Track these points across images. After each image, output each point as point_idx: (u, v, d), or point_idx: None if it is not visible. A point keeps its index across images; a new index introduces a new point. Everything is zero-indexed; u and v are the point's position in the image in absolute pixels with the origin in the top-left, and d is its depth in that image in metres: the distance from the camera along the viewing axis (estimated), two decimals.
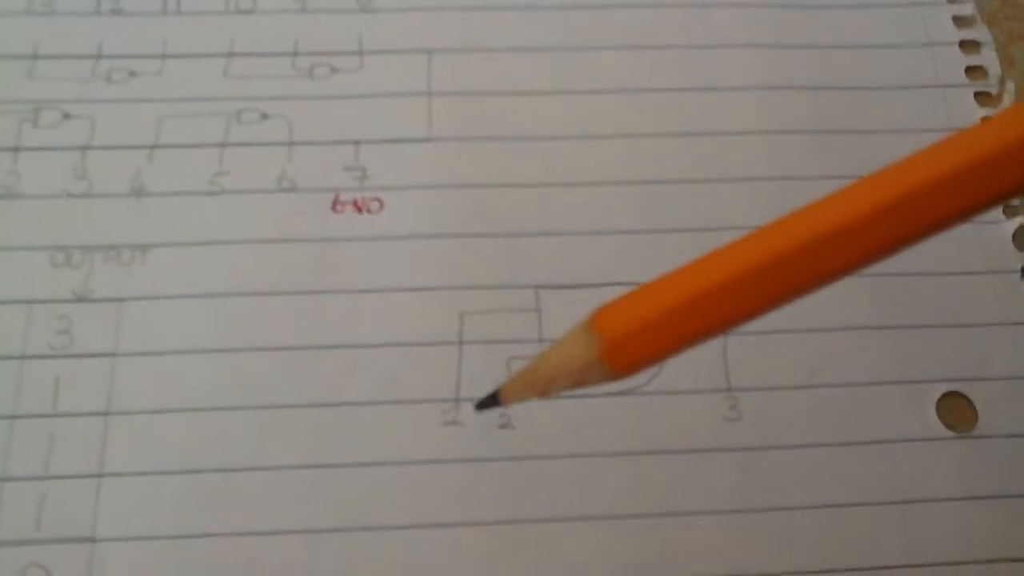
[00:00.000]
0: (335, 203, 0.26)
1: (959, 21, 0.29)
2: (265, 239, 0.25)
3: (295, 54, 0.28)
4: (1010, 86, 0.29)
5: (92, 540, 0.22)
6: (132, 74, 0.27)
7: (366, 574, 0.22)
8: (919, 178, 0.16)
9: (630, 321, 0.16)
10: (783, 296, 0.16)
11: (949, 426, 0.24)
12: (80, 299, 0.24)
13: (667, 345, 0.16)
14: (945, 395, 0.25)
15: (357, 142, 0.27)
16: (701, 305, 0.16)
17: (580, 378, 0.16)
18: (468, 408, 0.24)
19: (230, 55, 0.28)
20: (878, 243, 0.16)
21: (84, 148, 0.26)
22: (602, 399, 0.24)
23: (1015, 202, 0.27)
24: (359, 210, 0.26)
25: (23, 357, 0.24)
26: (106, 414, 0.23)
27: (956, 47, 0.29)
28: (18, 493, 0.22)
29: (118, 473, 0.23)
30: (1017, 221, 0.27)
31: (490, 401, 0.18)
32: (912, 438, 0.24)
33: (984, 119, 0.28)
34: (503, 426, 0.24)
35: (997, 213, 0.27)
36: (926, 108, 0.28)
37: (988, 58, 0.29)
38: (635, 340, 0.16)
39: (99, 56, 0.27)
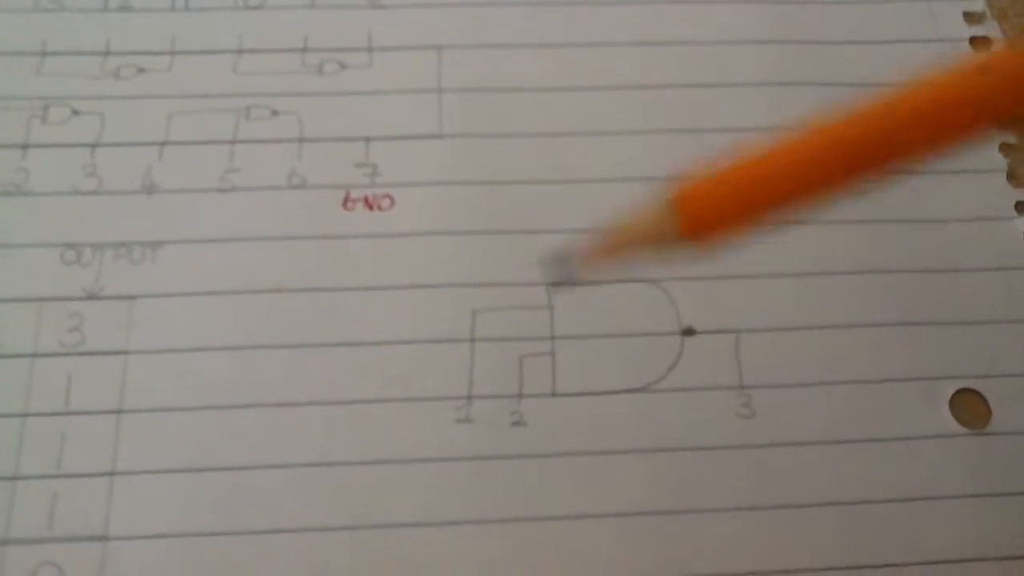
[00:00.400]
0: (346, 200, 0.26)
1: (969, 17, 0.29)
2: (276, 236, 0.25)
3: (305, 50, 0.28)
4: None
5: (105, 539, 0.22)
6: (141, 70, 0.27)
7: (377, 572, 0.22)
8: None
9: (706, 189, 0.17)
10: (834, 182, 0.17)
11: (963, 423, 0.24)
12: (91, 297, 0.24)
13: (737, 212, 0.17)
14: (958, 392, 0.25)
15: (368, 139, 0.27)
16: (768, 180, 0.17)
17: (656, 243, 0.17)
18: (480, 405, 0.24)
19: (239, 51, 0.27)
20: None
21: (94, 145, 0.26)
22: (614, 397, 0.24)
23: None
24: (370, 207, 0.26)
25: (34, 355, 0.23)
26: (118, 412, 0.23)
27: (966, 43, 0.29)
28: (30, 492, 0.22)
29: (130, 471, 0.23)
30: None
31: (564, 264, 0.18)
32: (926, 435, 0.24)
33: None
34: (516, 424, 0.24)
35: (1009, 210, 0.27)
36: None
37: None
38: (709, 208, 0.17)
39: (108, 53, 0.27)
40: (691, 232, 0.17)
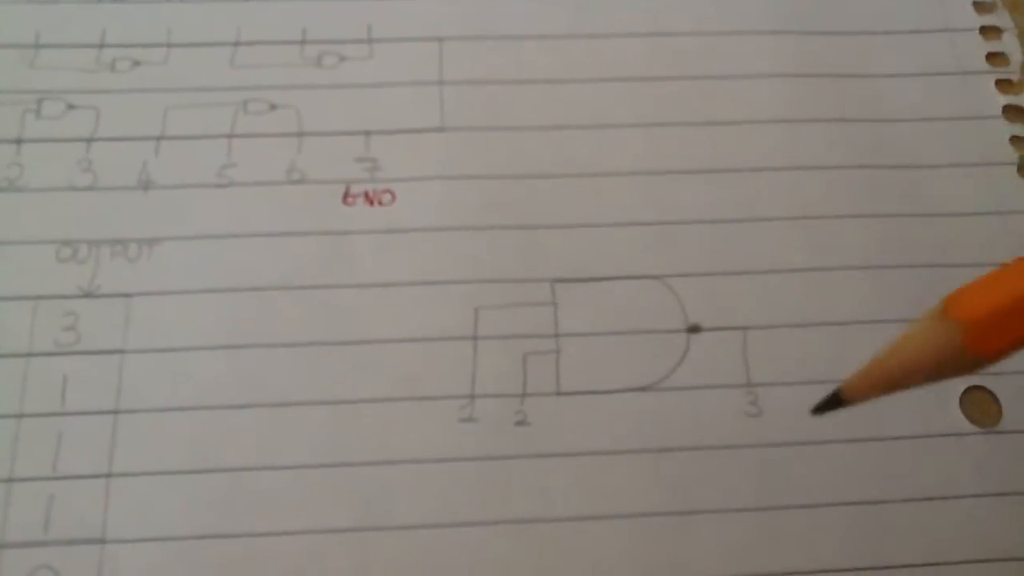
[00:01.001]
0: (346, 195, 0.25)
1: (979, 7, 0.29)
2: (275, 232, 0.25)
3: (303, 42, 0.27)
4: None
5: (102, 541, 0.22)
6: (136, 63, 0.27)
7: (379, 574, 0.22)
8: None
9: (993, 303, 0.15)
10: None
11: (973, 421, 0.24)
12: (87, 295, 0.24)
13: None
14: (969, 389, 0.24)
15: (368, 133, 0.26)
16: None
17: (938, 368, 0.16)
18: (483, 404, 0.23)
19: (236, 44, 0.27)
20: None
21: (89, 140, 0.26)
22: (619, 395, 0.24)
23: None
24: (371, 202, 0.25)
25: (29, 355, 0.23)
26: (115, 412, 0.23)
27: (976, 33, 0.29)
28: (26, 494, 0.22)
29: (128, 473, 0.22)
30: None
31: (832, 403, 0.18)
32: (936, 433, 0.24)
33: None
34: (520, 423, 0.23)
35: (1020, 204, 0.26)
36: (946, 95, 0.28)
37: (1010, 44, 0.29)
38: (999, 323, 0.15)
39: (102, 45, 0.27)
40: (980, 346, 0.16)
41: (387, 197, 0.25)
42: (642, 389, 0.24)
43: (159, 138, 0.26)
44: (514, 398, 0.23)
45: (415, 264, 0.25)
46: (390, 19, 0.28)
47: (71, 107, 0.26)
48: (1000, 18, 0.29)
